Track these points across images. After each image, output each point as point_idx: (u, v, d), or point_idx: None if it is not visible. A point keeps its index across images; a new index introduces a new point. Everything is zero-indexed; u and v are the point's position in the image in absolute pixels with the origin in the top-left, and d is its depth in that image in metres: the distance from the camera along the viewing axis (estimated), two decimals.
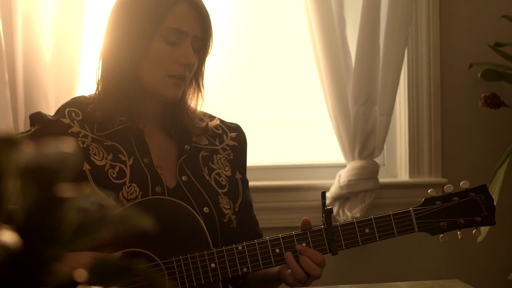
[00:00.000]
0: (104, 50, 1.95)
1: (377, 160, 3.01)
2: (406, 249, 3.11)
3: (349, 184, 2.92)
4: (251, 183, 2.85)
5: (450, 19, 3.08)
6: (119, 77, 1.91)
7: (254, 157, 3.06)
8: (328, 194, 2.97)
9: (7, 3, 2.64)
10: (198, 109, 2.05)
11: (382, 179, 3.04)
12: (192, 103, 2.03)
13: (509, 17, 2.93)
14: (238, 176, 2.05)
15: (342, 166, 3.02)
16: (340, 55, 2.89)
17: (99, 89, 1.95)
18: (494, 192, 2.66)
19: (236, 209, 2.01)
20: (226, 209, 1.96)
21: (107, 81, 1.93)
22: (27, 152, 0.55)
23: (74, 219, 0.59)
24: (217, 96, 3.05)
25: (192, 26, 1.91)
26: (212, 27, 1.97)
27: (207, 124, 2.05)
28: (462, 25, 3.09)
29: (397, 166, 3.15)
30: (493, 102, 2.87)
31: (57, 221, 0.59)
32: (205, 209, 1.92)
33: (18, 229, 0.60)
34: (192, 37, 1.92)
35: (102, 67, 1.95)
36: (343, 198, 2.96)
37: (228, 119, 2.15)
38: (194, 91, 2.03)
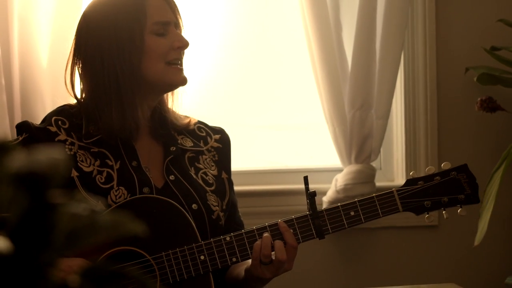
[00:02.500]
0: (92, 64, 1.96)
1: (374, 164, 3.01)
2: (401, 253, 3.11)
3: (346, 188, 2.92)
4: (248, 188, 2.86)
5: (446, 23, 3.09)
6: (119, 86, 1.93)
7: (251, 162, 3.06)
8: (324, 198, 2.97)
9: (3, 8, 2.64)
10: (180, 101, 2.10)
11: (379, 183, 3.04)
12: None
13: (505, 21, 2.93)
14: (224, 176, 2.09)
15: (339, 170, 3.02)
16: (336, 59, 2.90)
17: (90, 101, 1.96)
18: (491, 196, 2.66)
19: (224, 207, 2.05)
20: (214, 206, 2.00)
21: (101, 92, 1.94)
22: (18, 158, 0.55)
23: (66, 225, 0.60)
24: (212, 100, 3.05)
25: (169, 14, 1.99)
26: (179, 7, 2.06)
27: (189, 121, 2.10)
28: (458, 29, 3.10)
29: (394, 170, 3.15)
30: (489, 106, 2.87)
31: (49, 227, 0.60)
32: (194, 206, 1.96)
33: (10, 234, 0.60)
34: (173, 24, 1.99)
35: (91, 81, 1.96)
36: (340, 202, 2.96)
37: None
38: None
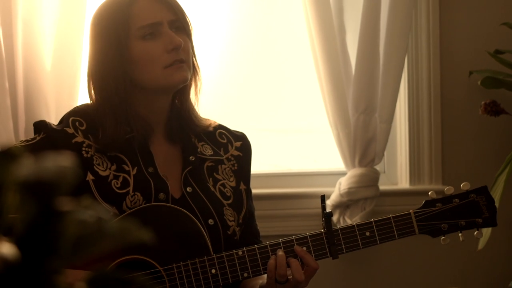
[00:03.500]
0: (90, 70, 1.96)
1: (378, 167, 3.01)
2: (405, 257, 3.11)
3: (350, 191, 2.92)
4: (252, 191, 2.85)
5: (450, 26, 3.09)
6: (113, 93, 1.90)
7: (255, 165, 3.05)
8: (328, 202, 2.97)
9: (8, 11, 2.64)
10: (199, 94, 2.03)
11: (383, 186, 3.03)
12: (191, 89, 2.01)
13: (509, 25, 2.93)
14: (242, 187, 2.05)
15: (343, 174, 3.02)
16: (340, 63, 2.90)
17: (96, 107, 1.95)
18: (495, 199, 2.65)
19: (240, 221, 2.00)
20: (231, 221, 1.96)
21: (102, 99, 1.93)
22: (26, 166, 0.55)
23: (74, 232, 0.60)
24: (218, 103, 3.05)
25: (160, 13, 1.91)
26: (181, 4, 1.96)
27: (210, 124, 2.05)
28: (462, 32, 3.10)
29: (398, 173, 3.15)
30: (493, 109, 2.87)
31: (56, 234, 0.60)
32: (210, 221, 1.92)
33: (17, 241, 0.60)
34: (167, 22, 1.91)
35: (93, 87, 1.95)
36: (344, 205, 2.96)
37: (228, 127, 2.15)
38: (192, 75, 1.99)
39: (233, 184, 2.03)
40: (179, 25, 1.94)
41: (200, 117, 2.04)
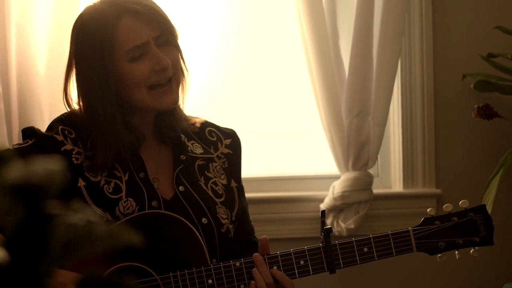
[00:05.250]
0: (77, 86, 1.94)
1: (371, 171, 3.01)
2: (398, 260, 3.11)
3: (343, 195, 2.92)
4: (246, 195, 2.86)
5: (443, 30, 3.09)
6: (101, 116, 1.87)
7: (248, 169, 3.06)
8: (322, 205, 2.97)
9: (1, 15, 2.64)
10: (186, 95, 2.01)
11: (376, 190, 3.04)
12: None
13: (502, 28, 2.94)
14: (233, 184, 2.05)
15: (336, 177, 3.02)
16: (334, 67, 2.90)
17: (85, 121, 1.92)
18: (488, 202, 2.66)
19: (233, 218, 2.01)
20: (224, 219, 1.97)
21: (90, 118, 1.90)
22: (16, 169, 0.55)
23: (63, 235, 0.60)
24: (211, 107, 3.05)
25: (145, 32, 1.86)
26: (165, 13, 1.90)
27: (194, 122, 2.04)
28: (455, 36, 3.10)
29: (391, 177, 3.15)
30: (487, 112, 2.87)
31: (46, 237, 0.60)
32: (204, 220, 1.92)
33: (7, 244, 0.61)
34: (153, 39, 1.87)
35: (81, 103, 1.93)
36: (337, 209, 2.96)
37: (217, 124, 2.14)
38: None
39: (224, 181, 2.03)
40: (165, 39, 1.90)
41: (185, 116, 2.03)
